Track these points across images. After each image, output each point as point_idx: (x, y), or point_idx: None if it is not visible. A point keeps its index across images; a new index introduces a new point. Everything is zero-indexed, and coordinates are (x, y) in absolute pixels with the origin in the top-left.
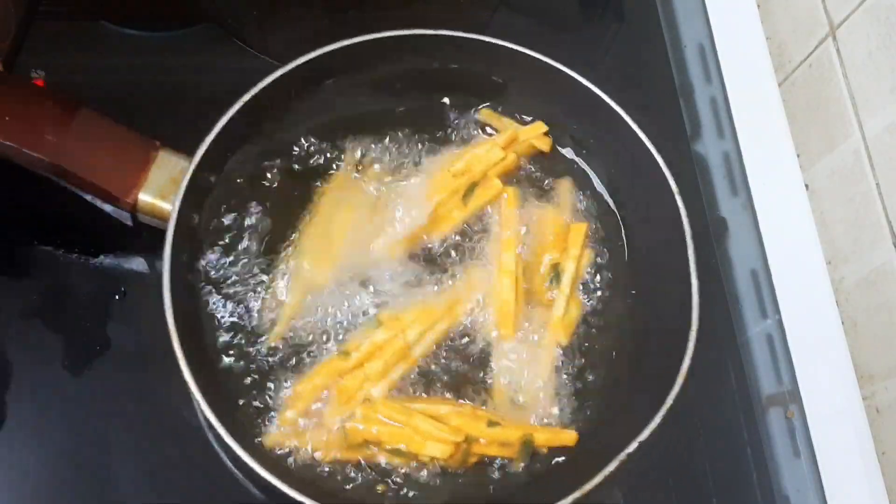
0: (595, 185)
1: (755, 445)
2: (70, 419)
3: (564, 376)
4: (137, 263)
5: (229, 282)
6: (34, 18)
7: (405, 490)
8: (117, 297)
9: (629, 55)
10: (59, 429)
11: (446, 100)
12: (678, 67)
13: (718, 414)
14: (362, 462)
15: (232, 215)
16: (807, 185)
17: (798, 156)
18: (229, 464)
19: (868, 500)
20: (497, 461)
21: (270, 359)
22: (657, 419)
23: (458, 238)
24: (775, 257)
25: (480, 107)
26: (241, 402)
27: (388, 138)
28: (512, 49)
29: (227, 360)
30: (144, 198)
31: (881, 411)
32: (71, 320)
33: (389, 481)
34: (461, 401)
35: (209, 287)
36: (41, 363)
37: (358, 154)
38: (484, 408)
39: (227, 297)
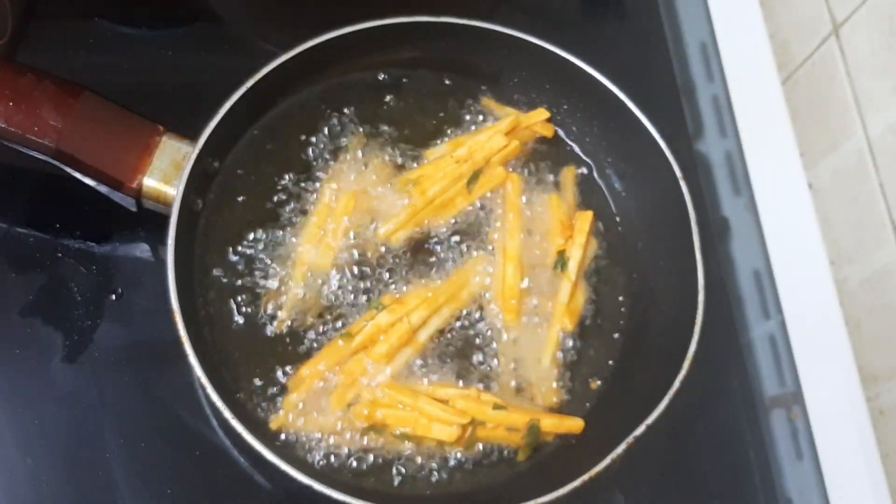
0: (598, 173)
1: (758, 447)
2: (69, 415)
3: (569, 363)
4: (140, 251)
5: (234, 267)
6: (33, 13)
7: (410, 477)
8: (119, 289)
9: (631, 53)
10: (57, 426)
11: (448, 87)
12: (680, 65)
13: (721, 415)
14: (368, 446)
15: (236, 201)
16: (810, 185)
17: (801, 155)
18: (234, 452)
19: (871, 502)
20: (503, 449)
21: (275, 343)
22: (664, 403)
23: (462, 224)
24: (778, 257)
25: (483, 94)
26: (245, 387)
27: (390, 125)
28: (515, 36)
29: (232, 345)
30: (149, 182)
31: (885, 413)
32: (70, 313)
33: (395, 468)
34: (466, 385)
35: (213, 273)
36: (39, 358)
37: (361, 140)
38: (489, 392)
39: (231, 282)
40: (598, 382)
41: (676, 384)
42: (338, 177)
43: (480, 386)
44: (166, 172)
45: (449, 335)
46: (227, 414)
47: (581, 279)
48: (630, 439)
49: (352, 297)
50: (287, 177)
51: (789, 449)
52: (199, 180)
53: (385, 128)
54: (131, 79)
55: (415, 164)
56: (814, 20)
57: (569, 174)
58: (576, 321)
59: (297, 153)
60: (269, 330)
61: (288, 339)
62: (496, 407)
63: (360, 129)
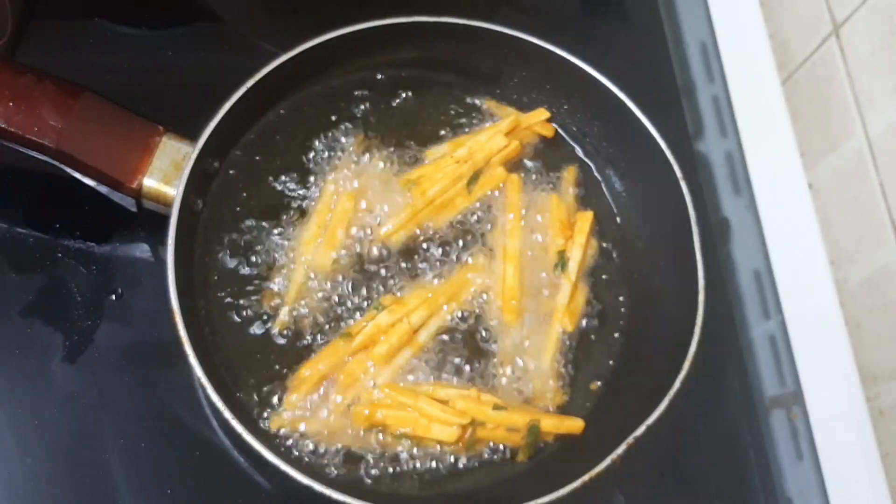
0: (598, 173)
1: (758, 447)
2: (69, 415)
3: (569, 364)
4: (140, 251)
5: (233, 267)
6: (33, 12)
7: (410, 478)
8: (119, 289)
9: (631, 53)
10: (57, 426)
11: (448, 87)
12: (680, 66)
13: (721, 416)
14: (368, 447)
15: (236, 201)
16: (810, 185)
17: (801, 155)
18: (234, 452)
19: (871, 502)
20: (503, 449)
21: (275, 344)
22: (664, 403)
23: (462, 225)
24: (778, 257)
25: (483, 94)
26: (245, 387)
27: (390, 125)
28: (515, 36)
29: (232, 345)
30: (149, 183)
31: (885, 413)
32: (70, 313)
33: (395, 468)
34: (466, 386)
35: (213, 272)
36: (38, 358)
37: (361, 141)
38: (489, 393)
39: (231, 282)
40: (598, 383)
41: (676, 384)
42: (338, 177)
43: (481, 386)
44: (166, 172)
45: (449, 335)
46: (227, 414)
47: (581, 279)
48: (630, 439)
49: (352, 297)
50: (287, 177)
51: (789, 449)
52: (199, 180)
53: (385, 128)
54: (131, 79)
55: (415, 164)
56: (814, 20)
57: (569, 174)
58: (576, 321)
59: (297, 153)
60: (270, 330)
61: (288, 340)
62: (496, 407)
63: (360, 130)
